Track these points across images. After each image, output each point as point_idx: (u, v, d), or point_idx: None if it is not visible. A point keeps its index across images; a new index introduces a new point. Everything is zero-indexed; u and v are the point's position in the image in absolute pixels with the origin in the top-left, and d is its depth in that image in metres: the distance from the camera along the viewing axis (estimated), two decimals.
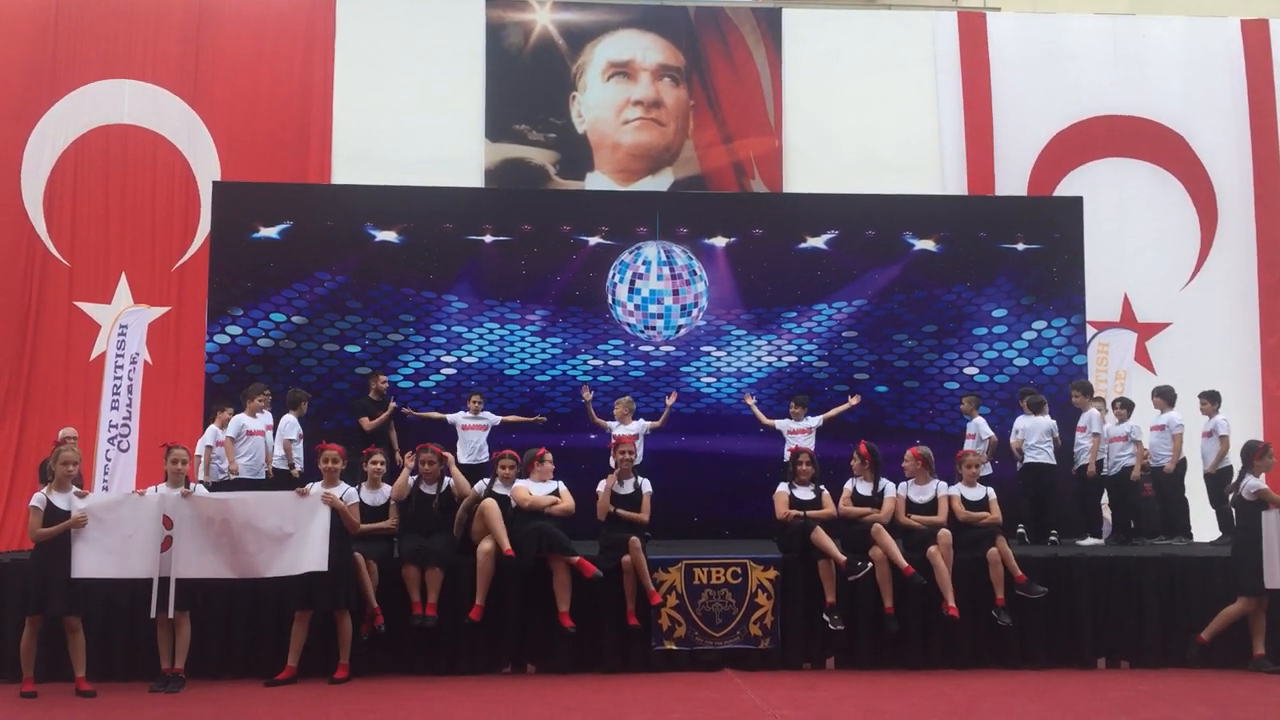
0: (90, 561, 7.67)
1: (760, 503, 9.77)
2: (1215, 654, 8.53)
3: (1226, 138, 15.46)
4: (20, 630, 7.74)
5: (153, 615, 7.75)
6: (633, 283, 12.94)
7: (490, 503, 8.49)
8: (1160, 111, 15.46)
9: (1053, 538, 10.78)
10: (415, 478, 8.78)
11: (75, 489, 7.82)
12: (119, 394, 12.28)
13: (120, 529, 7.76)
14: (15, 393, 13.73)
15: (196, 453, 10.61)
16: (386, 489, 8.71)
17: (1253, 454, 8.81)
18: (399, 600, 8.27)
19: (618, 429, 11.29)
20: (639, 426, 11.43)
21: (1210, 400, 11.29)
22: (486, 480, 8.92)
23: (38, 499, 7.67)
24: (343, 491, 8.16)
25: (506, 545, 8.22)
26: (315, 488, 8.19)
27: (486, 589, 8.29)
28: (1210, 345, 14.98)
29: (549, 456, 9.09)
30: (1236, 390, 14.86)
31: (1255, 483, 8.59)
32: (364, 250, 12.62)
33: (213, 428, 10.97)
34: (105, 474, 11.88)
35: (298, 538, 7.87)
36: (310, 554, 7.82)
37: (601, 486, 8.98)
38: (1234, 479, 9.23)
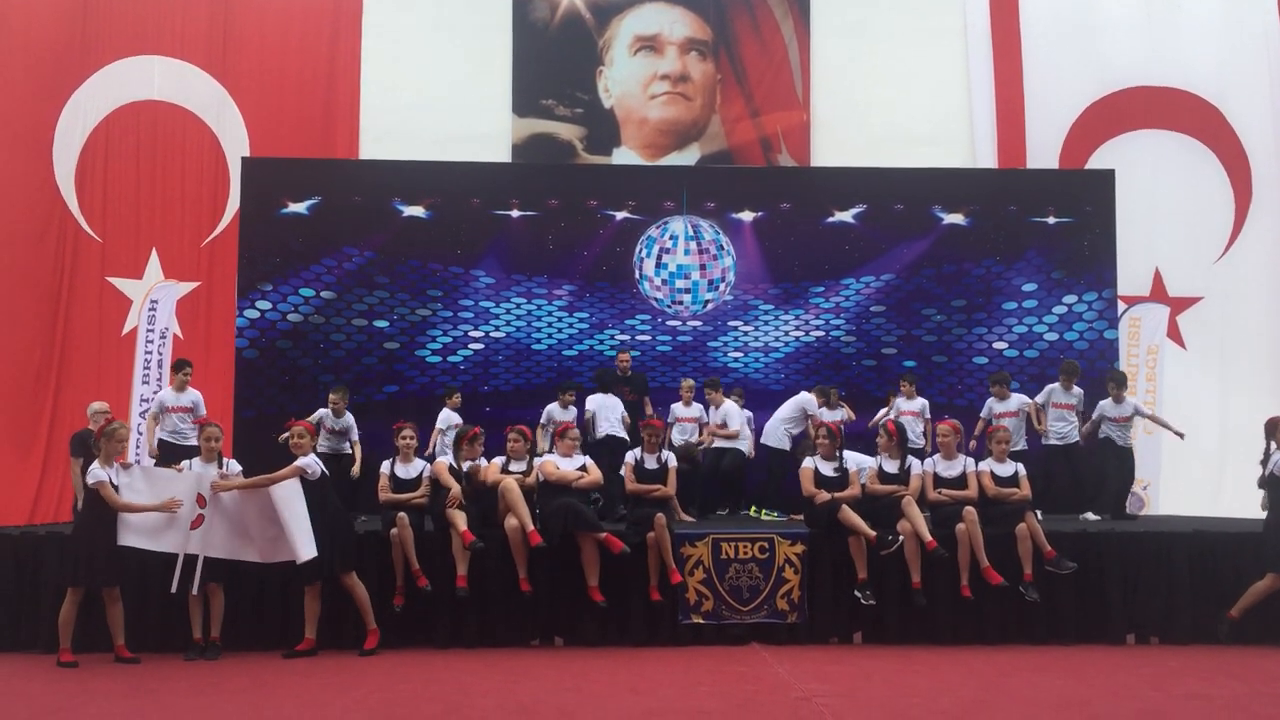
0: (132, 533, 7.77)
1: (788, 476, 9.77)
2: (1245, 629, 8.48)
3: (1262, 109, 15.19)
4: (57, 601, 7.84)
5: (173, 591, 7.82)
6: (660, 257, 12.94)
7: (510, 483, 8.52)
8: (1194, 82, 15.21)
9: (1090, 515, 10.63)
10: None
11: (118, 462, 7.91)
12: (149, 368, 12.44)
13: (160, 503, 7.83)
14: (49, 367, 13.93)
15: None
16: (419, 463, 8.78)
17: (1277, 429, 8.67)
18: (429, 571, 8.36)
19: (682, 411, 11.48)
20: (697, 410, 11.50)
21: (1002, 384, 10.99)
22: (501, 459, 8.93)
23: (99, 473, 7.66)
24: (309, 461, 8.02)
25: (531, 527, 8.28)
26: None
27: (525, 561, 8.35)
28: (1242, 319, 14.83)
29: (573, 432, 9.19)
30: (1269, 365, 14.75)
31: None
32: (392, 225, 12.69)
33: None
34: (137, 447, 12.02)
35: (288, 527, 7.81)
36: (301, 540, 7.79)
37: (630, 459, 9.08)
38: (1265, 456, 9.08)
